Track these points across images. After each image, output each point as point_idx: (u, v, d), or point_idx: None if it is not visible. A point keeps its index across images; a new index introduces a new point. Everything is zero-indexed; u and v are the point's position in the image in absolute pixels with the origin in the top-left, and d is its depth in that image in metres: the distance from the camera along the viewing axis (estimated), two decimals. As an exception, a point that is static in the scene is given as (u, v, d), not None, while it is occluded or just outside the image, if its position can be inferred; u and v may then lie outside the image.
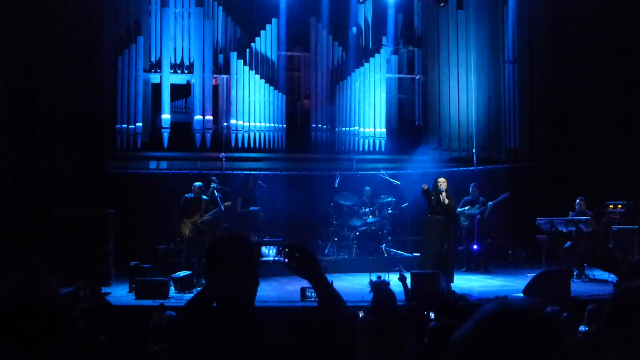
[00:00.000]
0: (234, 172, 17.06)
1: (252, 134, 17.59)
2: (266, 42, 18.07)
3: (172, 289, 12.18)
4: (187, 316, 3.15)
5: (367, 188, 16.69)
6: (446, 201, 13.02)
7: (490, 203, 15.34)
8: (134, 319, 9.08)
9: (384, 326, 6.53)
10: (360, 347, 6.75)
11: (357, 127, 18.21)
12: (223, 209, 13.53)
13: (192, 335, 2.97)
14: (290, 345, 2.92)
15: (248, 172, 16.89)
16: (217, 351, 2.85)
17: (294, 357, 2.92)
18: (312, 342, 2.98)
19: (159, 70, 17.51)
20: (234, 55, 17.70)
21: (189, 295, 12.07)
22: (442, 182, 13.17)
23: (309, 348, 2.95)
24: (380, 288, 8.48)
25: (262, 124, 17.69)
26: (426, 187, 13.07)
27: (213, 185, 13.78)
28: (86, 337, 6.85)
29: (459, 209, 15.29)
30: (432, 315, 8.30)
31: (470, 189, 15.59)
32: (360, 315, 8.29)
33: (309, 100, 18.44)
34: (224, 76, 17.87)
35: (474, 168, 17.06)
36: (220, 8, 18.00)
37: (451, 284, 12.90)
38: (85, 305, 10.46)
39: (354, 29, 18.70)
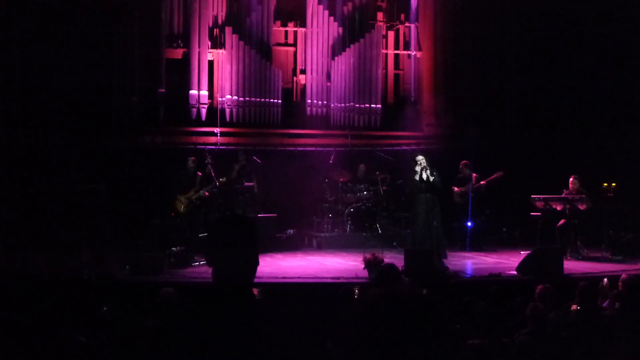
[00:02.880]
0: (229, 147, 17.04)
1: (247, 109, 17.54)
2: (262, 16, 17.97)
3: (166, 264, 12.21)
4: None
5: (362, 165, 16.72)
6: (431, 178, 13.07)
7: (482, 182, 15.39)
8: (128, 294, 9.12)
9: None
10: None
11: (352, 103, 18.18)
12: (218, 184, 13.54)
13: (192, 313, 3.00)
14: (286, 320, 2.95)
15: (243, 147, 16.86)
16: (218, 327, 2.88)
17: (290, 332, 2.95)
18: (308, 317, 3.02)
19: (154, 44, 17.40)
20: (229, 29, 17.61)
21: (183, 271, 12.12)
22: (420, 160, 13.19)
23: (305, 322, 2.99)
24: (384, 264, 8.50)
25: (258, 99, 17.64)
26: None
27: (208, 161, 13.78)
28: (86, 311, 6.88)
29: (455, 190, 15.36)
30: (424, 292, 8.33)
31: (460, 167, 15.63)
32: (356, 293, 8.35)
33: (304, 76, 18.38)
34: (220, 50, 17.79)
35: (469, 144, 17.05)
36: (216, -18, 17.89)
37: (444, 260, 12.98)
38: (87, 270, 10.55)
39: (350, 4, 18.62)
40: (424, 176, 13.04)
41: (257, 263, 3.04)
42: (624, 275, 8.53)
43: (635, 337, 5.28)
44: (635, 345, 5.22)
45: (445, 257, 13.35)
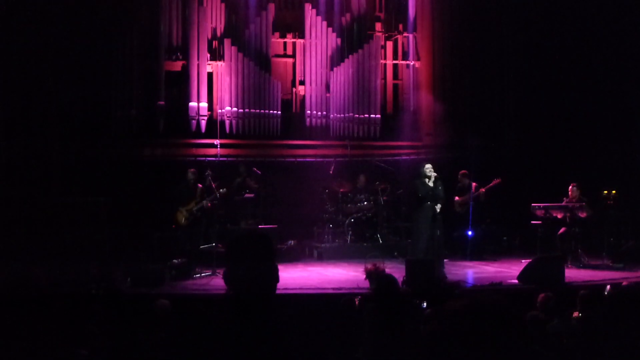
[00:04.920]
0: (229, 158, 17.06)
1: (246, 121, 17.57)
2: (261, 28, 18.02)
3: (167, 277, 12.20)
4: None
5: (362, 175, 16.72)
6: (433, 187, 13.12)
7: (482, 189, 15.41)
8: (131, 307, 9.13)
9: (388, 313, 6.56)
10: (365, 334, 6.80)
11: (351, 114, 18.20)
12: (218, 196, 13.54)
13: (207, 326, 3.01)
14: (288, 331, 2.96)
15: (243, 158, 16.89)
16: (232, 343, 2.87)
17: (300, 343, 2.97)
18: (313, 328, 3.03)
19: (153, 57, 17.44)
20: (228, 41, 17.65)
21: (184, 283, 12.11)
22: (429, 169, 13.24)
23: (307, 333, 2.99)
24: (381, 275, 8.50)
25: (257, 111, 17.66)
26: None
27: (208, 172, 13.78)
28: (88, 324, 6.89)
29: (456, 199, 15.36)
30: (424, 304, 8.33)
31: (459, 177, 15.64)
32: (357, 303, 8.35)
33: (303, 87, 18.42)
34: (219, 62, 17.83)
35: (468, 154, 17.06)
36: (215, -6, 17.95)
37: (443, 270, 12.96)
38: (95, 286, 10.56)
39: (349, 15, 18.67)
40: (431, 185, 13.09)
41: (277, 280, 3.04)
42: (624, 283, 8.54)
43: (636, 345, 5.28)
44: (636, 353, 5.22)
45: (443, 267, 13.35)
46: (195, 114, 17.31)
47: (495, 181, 15.55)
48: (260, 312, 2.94)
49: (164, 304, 8.19)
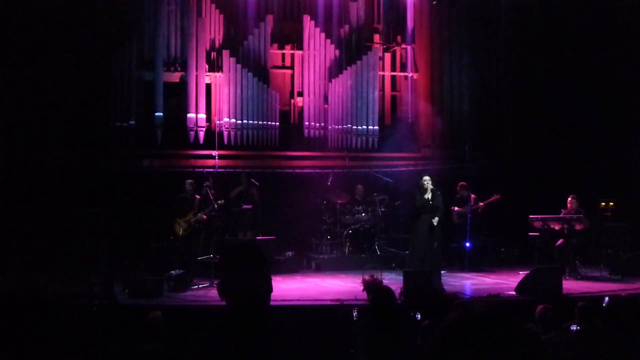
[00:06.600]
0: (227, 170, 17.06)
1: (245, 132, 17.57)
2: (259, 39, 18.06)
3: (165, 288, 12.19)
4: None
5: (360, 186, 16.73)
6: (430, 199, 13.16)
7: (480, 203, 15.43)
8: (127, 317, 9.12)
9: (383, 325, 6.56)
10: (359, 347, 6.79)
11: (350, 125, 18.22)
12: (216, 207, 13.54)
13: (202, 338, 3.01)
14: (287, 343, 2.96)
15: (241, 170, 16.89)
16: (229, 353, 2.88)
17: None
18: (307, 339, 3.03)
19: (152, 68, 17.47)
20: (227, 53, 17.68)
21: (182, 294, 12.11)
22: (427, 181, 13.29)
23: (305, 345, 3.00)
24: (378, 288, 8.50)
25: (255, 122, 17.67)
26: None
27: (206, 184, 13.78)
28: (82, 336, 6.88)
29: (454, 210, 15.39)
30: (418, 316, 8.33)
31: (458, 188, 15.67)
32: (355, 315, 8.35)
33: (301, 98, 18.44)
34: (217, 74, 17.85)
35: (466, 165, 17.09)
36: (214, 6, 17.98)
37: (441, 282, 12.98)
38: (97, 302, 10.55)
39: (347, 27, 18.71)
40: (428, 197, 13.13)
41: (271, 290, 3.06)
42: (622, 295, 8.55)
43: (633, 356, 5.29)
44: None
45: (440, 278, 13.39)
46: (193, 125, 17.31)
47: (495, 197, 15.59)
48: (255, 322, 2.94)
49: (156, 316, 8.20)
